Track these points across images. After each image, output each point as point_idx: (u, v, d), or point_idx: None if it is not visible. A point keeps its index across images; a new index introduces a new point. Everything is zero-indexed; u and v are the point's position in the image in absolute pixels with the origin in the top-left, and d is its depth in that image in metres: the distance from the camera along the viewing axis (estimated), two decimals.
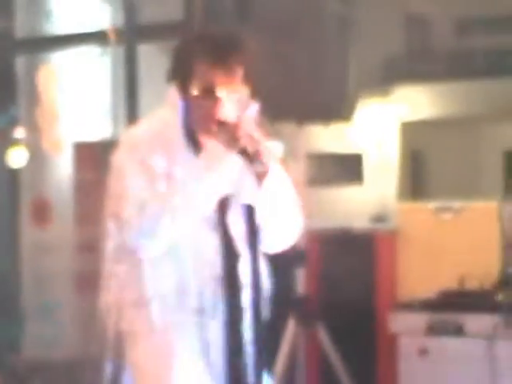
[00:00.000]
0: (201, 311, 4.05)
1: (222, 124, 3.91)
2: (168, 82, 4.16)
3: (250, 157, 3.91)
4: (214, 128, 3.92)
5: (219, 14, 8.22)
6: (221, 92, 3.94)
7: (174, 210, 3.93)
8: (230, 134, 3.91)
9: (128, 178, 4.00)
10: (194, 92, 3.99)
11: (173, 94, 4.11)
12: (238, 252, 4.10)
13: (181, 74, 4.04)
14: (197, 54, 3.94)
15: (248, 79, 4.02)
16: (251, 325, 4.14)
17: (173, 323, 4.09)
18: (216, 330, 4.09)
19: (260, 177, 3.96)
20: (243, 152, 3.90)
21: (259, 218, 4.13)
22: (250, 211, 4.13)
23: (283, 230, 4.24)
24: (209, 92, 3.94)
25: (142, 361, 4.16)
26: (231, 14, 8.39)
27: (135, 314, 4.14)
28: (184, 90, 4.03)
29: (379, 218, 8.10)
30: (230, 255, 4.10)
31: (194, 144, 4.00)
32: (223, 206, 4.07)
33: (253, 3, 7.86)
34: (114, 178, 4.10)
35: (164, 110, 4.19)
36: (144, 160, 3.95)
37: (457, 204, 7.43)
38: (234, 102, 3.97)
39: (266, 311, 4.23)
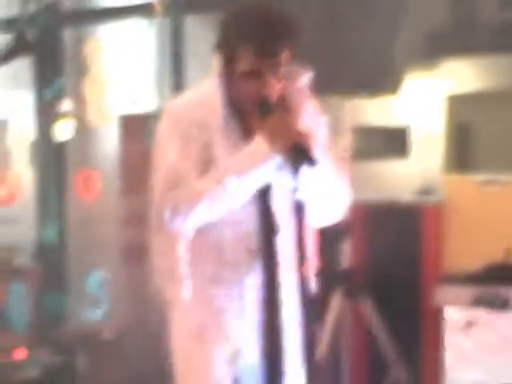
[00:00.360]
0: (238, 283, 4.11)
1: (263, 104, 3.97)
2: (214, 54, 4.15)
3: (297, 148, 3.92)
4: (255, 107, 3.98)
5: None
6: (265, 74, 3.94)
7: (211, 197, 3.98)
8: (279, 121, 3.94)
9: (166, 151, 4.12)
10: (239, 71, 3.99)
11: (217, 67, 4.14)
12: (276, 226, 4.13)
13: (226, 51, 4.03)
14: (244, 37, 3.94)
15: (295, 56, 4.02)
16: (297, 301, 4.16)
17: (209, 295, 4.17)
18: (252, 304, 4.13)
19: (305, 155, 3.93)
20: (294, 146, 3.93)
21: (305, 194, 4.11)
22: (294, 188, 4.07)
23: (330, 205, 4.28)
24: (253, 74, 3.95)
25: (178, 332, 4.28)
26: None
27: (172, 284, 4.27)
28: (228, 66, 4.04)
29: (426, 191, 8.10)
30: (267, 229, 4.13)
31: (235, 119, 4.07)
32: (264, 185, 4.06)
33: None
34: (156, 149, 4.21)
35: (208, 82, 4.20)
36: (184, 134, 4.04)
37: (503, 177, 7.42)
38: (279, 79, 3.99)
39: (312, 286, 4.22)
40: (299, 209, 4.18)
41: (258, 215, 4.16)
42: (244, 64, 3.95)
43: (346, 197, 4.29)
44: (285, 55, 3.94)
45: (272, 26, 3.93)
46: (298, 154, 3.91)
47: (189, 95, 4.31)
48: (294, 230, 4.14)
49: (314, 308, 4.27)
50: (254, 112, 4.03)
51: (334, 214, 4.36)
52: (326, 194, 4.20)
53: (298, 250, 4.15)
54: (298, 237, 4.16)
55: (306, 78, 4.05)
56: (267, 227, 4.12)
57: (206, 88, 4.16)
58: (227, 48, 4.02)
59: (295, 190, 4.08)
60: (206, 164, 4.00)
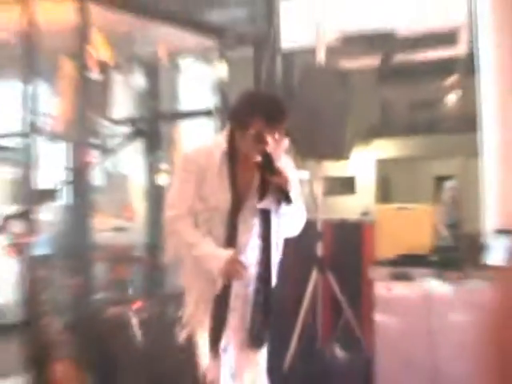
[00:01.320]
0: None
1: (266, 156, 3.71)
2: (227, 119, 4.03)
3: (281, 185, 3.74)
4: (258, 158, 3.72)
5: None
6: (268, 138, 3.72)
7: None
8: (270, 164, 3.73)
9: (176, 180, 3.94)
10: (249, 134, 3.74)
11: (228, 130, 3.92)
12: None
13: (239, 119, 3.81)
14: (258, 110, 3.71)
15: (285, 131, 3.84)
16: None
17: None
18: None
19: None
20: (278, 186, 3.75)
21: (283, 219, 3.92)
22: (266, 215, 3.85)
23: (295, 223, 4.05)
24: (260, 139, 3.72)
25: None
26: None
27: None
28: (238, 130, 3.80)
29: (365, 214, 8.26)
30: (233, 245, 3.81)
31: (227, 166, 3.80)
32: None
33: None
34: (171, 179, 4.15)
35: (219, 138, 3.96)
36: (188, 170, 3.81)
37: (408, 205, 7.53)
38: (276, 141, 3.76)
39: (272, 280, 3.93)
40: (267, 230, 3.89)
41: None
42: (254, 129, 3.70)
43: (303, 220, 4.08)
44: (282, 126, 3.78)
45: (277, 105, 3.78)
46: (282, 195, 3.72)
47: (203, 145, 4.02)
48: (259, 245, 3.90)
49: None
50: (248, 163, 3.79)
51: (297, 228, 4.09)
52: (293, 219, 3.99)
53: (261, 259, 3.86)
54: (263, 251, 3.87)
55: (285, 144, 3.83)
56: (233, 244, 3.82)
57: (216, 141, 3.92)
58: (241, 117, 3.78)
59: (278, 215, 3.87)
60: (199, 190, 3.76)
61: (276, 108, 3.77)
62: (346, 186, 8.83)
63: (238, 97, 3.91)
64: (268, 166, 3.74)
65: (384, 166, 9.13)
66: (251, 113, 3.73)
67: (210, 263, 3.69)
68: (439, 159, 9.24)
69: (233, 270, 3.64)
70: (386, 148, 8.92)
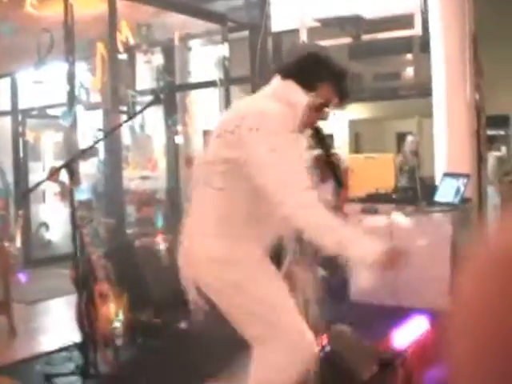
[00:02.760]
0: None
1: (319, 131, 2.99)
2: (285, 75, 2.89)
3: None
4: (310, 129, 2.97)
5: None
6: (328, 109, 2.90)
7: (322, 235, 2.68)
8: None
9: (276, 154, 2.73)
10: (315, 100, 2.82)
11: (288, 87, 2.86)
12: None
13: (308, 82, 2.81)
14: (333, 83, 2.83)
15: None
16: None
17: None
18: None
19: None
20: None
21: None
22: None
23: None
24: (323, 106, 2.86)
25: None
26: None
27: None
28: (305, 90, 2.78)
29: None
30: None
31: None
32: None
33: None
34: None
35: (274, 99, 2.84)
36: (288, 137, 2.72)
37: (374, 155, 7.59)
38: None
39: None
40: None
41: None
42: (321, 96, 2.82)
43: None
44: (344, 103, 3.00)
45: (349, 78, 2.90)
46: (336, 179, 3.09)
47: (273, 106, 2.77)
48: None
49: None
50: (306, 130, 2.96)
51: None
52: None
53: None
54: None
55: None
56: None
57: (278, 104, 2.78)
58: (311, 79, 2.80)
59: None
60: None
61: (349, 78, 2.92)
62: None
63: (303, 53, 2.95)
64: (324, 140, 3.05)
65: (356, 125, 9.19)
66: (325, 77, 2.84)
67: (363, 251, 2.63)
68: (400, 119, 9.32)
69: (392, 260, 2.64)
70: (358, 111, 8.98)
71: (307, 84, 2.83)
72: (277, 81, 2.95)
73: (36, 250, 9.47)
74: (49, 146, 9.94)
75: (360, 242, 2.65)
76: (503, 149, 11.07)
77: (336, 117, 8.37)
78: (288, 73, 2.89)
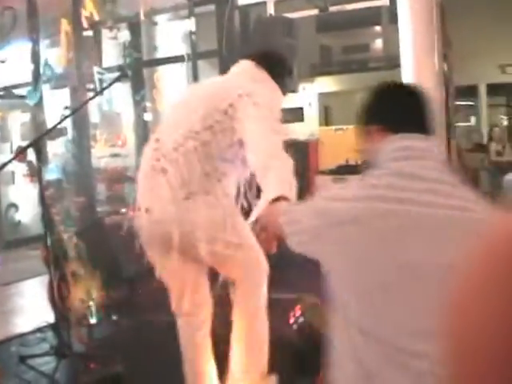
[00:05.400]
0: None
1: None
2: (259, 63, 3.25)
3: None
4: None
5: None
6: None
7: None
8: None
9: None
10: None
11: (268, 80, 3.21)
12: None
13: (275, 77, 3.21)
14: (284, 77, 3.30)
15: None
16: None
17: None
18: None
19: None
20: None
21: None
22: None
23: None
24: None
25: None
26: None
27: None
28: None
29: (311, 135, 8.26)
30: None
31: None
32: None
33: None
34: None
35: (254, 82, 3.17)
36: None
37: (345, 127, 7.61)
38: None
39: None
40: None
41: None
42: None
43: None
44: None
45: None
46: None
47: None
48: None
49: None
50: None
51: None
52: None
53: None
54: None
55: None
56: None
57: None
58: (276, 75, 3.24)
59: None
60: None
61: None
62: (295, 115, 8.84)
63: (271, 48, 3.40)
64: None
65: (325, 98, 9.19)
66: (282, 74, 3.31)
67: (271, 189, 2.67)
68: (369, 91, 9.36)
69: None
70: (327, 83, 8.99)
71: (274, 78, 3.20)
72: (251, 66, 3.27)
73: (6, 231, 9.41)
74: (16, 126, 9.83)
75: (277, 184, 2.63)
76: (472, 119, 11.16)
77: (305, 91, 8.37)
78: (262, 63, 3.24)
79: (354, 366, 1.76)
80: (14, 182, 9.61)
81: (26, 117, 9.22)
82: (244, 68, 3.31)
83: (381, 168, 1.91)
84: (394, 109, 2.07)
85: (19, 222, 9.78)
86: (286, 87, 3.34)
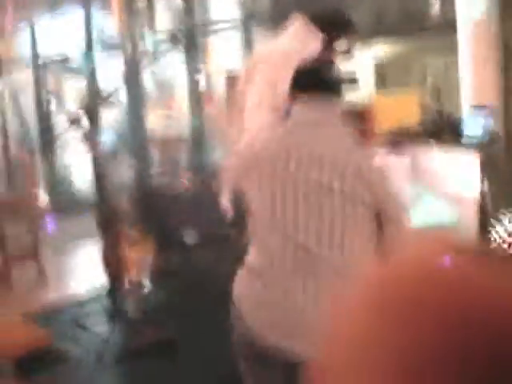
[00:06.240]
0: None
1: None
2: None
3: None
4: None
5: None
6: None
7: None
8: None
9: None
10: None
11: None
12: None
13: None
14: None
15: None
16: None
17: None
18: None
19: None
20: None
21: None
22: None
23: None
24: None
25: None
26: None
27: None
28: None
29: (367, 100, 8.08)
30: None
31: None
32: None
33: None
34: None
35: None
36: None
37: (398, 93, 7.47)
38: None
39: None
40: None
41: None
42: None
43: None
44: None
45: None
46: None
47: None
48: None
49: None
50: None
51: None
52: None
53: None
54: None
55: None
56: None
57: None
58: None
59: None
60: None
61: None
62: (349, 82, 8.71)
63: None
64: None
65: (381, 62, 9.02)
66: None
67: None
68: (426, 55, 9.13)
69: None
70: (382, 47, 8.81)
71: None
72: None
73: (63, 197, 9.51)
74: (71, 93, 9.91)
75: None
76: None
77: (361, 54, 8.23)
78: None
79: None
80: (69, 149, 9.70)
81: (82, 83, 9.30)
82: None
83: None
84: None
85: (75, 188, 9.88)
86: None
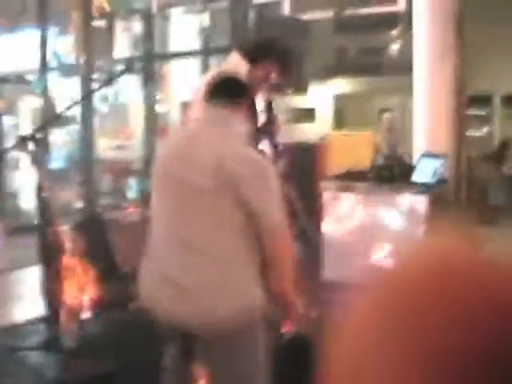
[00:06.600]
0: None
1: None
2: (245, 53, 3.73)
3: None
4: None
5: None
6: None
7: None
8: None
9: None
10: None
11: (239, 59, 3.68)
12: None
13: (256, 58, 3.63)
14: (274, 62, 3.62)
15: None
16: None
17: None
18: None
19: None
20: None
21: None
22: None
23: None
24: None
25: None
26: None
27: None
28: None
29: (321, 139, 8.21)
30: None
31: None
32: None
33: None
34: None
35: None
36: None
37: (354, 132, 7.52)
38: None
39: None
40: None
41: None
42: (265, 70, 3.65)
43: None
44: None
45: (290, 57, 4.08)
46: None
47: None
48: None
49: None
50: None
51: None
52: None
53: None
54: None
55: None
56: None
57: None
58: (261, 57, 3.68)
59: None
60: None
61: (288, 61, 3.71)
62: (307, 115, 8.77)
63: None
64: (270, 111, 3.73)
65: (339, 99, 9.10)
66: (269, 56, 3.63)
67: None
68: (384, 95, 9.21)
69: None
70: (341, 85, 8.88)
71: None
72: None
73: (9, 218, 9.31)
74: (26, 112, 9.78)
75: None
76: (484, 129, 11.01)
77: (319, 91, 8.28)
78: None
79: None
80: (19, 169, 9.54)
81: (37, 103, 9.17)
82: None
83: None
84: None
85: (22, 209, 9.69)
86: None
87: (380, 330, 0.60)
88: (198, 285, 2.67)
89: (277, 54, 3.60)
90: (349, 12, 7.47)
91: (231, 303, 2.68)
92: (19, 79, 9.33)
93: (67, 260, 4.83)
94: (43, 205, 4.61)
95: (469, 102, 7.29)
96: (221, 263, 2.69)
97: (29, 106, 9.70)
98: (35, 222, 6.69)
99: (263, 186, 2.68)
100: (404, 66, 7.53)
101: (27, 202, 9.63)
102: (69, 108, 5.38)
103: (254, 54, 3.58)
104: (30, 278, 6.52)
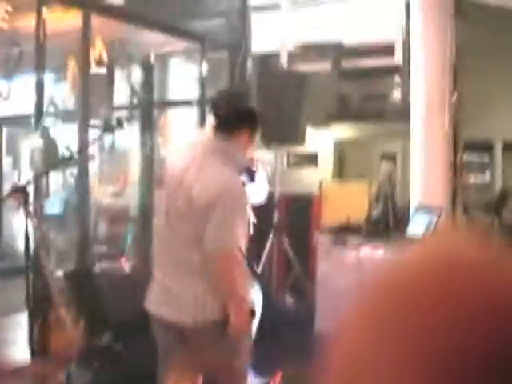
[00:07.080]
0: None
1: None
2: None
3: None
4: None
5: None
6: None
7: None
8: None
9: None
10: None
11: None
12: None
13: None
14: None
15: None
16: None
17: None
18: None
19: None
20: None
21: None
22: None
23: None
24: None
25: None
26: None
27: None
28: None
29: (319, 187, 8.13)
30: None
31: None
32: None
33: None
34: None
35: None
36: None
37: (351, 182, 7.52)
38: None
39: None
40: None
41: None
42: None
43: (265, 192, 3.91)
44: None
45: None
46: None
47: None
48: None
49: None
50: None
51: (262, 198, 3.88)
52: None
53: None
54: None
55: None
56: None
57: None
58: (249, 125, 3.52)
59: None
60: None
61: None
62: (309, 161, 8.72)
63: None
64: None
65: (341, 145, 9.07)
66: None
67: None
68: (386, 142, 9.19)
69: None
70: (343, 131, 8.89)
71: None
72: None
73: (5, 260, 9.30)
74: (26, 154, 9.84)
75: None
76: (485, 176, 10.87)
77: (322, 137, 8.28)
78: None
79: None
80: (18, 212, 9.53)
81: (37, 144, 9.20)
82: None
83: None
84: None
85: (18, 252, 9.68)
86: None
87: (381, 331, 0.61)
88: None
89: (252, 124, 3.45)
90: (346, 64, 7.54)
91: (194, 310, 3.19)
92: (19, 122, 9.40)
93: (56, 311, 4.79)
94: (33, 250, 4.60)
95: (470, 148, 7.27)
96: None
97: (29, 146, 9.76)
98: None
99: (219, 213, 3.09)
100: (406, 113, 7.51)
101: (20, 247, 9.63)
102: (64, 161, 5.39)
103: (233, 124, 3.38)
104: (16, 326, 6.46)
